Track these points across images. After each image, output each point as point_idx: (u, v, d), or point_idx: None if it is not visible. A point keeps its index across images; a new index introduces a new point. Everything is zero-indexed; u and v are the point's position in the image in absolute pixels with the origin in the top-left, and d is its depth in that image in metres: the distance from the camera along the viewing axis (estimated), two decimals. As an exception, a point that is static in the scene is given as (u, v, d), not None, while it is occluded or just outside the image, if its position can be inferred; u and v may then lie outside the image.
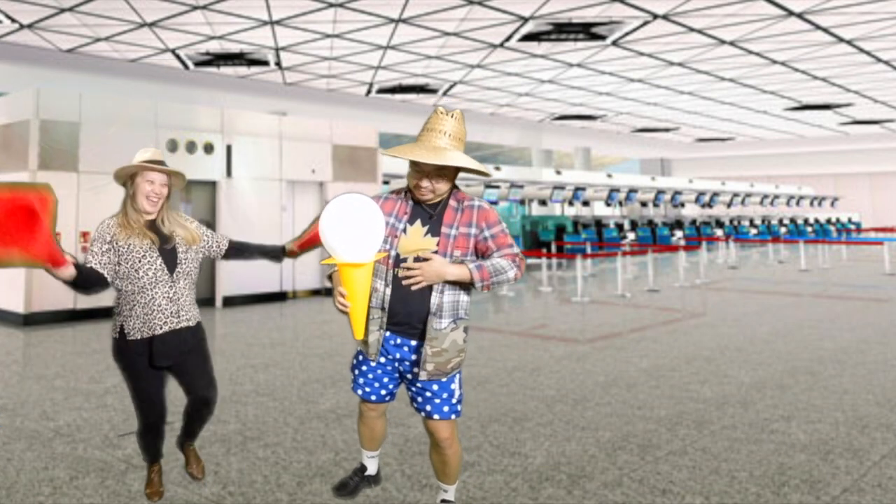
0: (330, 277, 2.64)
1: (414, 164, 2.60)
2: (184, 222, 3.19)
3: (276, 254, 3.43)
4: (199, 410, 3.25)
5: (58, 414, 4.69)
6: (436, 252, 2.59)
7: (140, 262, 3.00)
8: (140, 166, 3.05)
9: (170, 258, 3.07)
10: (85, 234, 8.89)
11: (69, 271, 2.71)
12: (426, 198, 2.63)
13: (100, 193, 8.90)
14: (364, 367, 2.74)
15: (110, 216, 3.12)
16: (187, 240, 3.14)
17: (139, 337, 3.01)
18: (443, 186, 2.61)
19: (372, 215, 2.41)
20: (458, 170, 2.64)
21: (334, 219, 2.38)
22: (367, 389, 2.74)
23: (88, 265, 2.96)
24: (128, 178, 3.10)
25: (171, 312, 3.04)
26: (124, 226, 3.05)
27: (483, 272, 2.56)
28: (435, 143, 2.56)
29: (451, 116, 2.60)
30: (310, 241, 3.40)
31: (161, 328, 3.01)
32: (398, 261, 2.61)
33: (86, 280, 2.88)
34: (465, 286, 2.65)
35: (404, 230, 2.63)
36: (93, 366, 6.23)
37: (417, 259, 2.59)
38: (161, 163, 3.12)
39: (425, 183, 2.58)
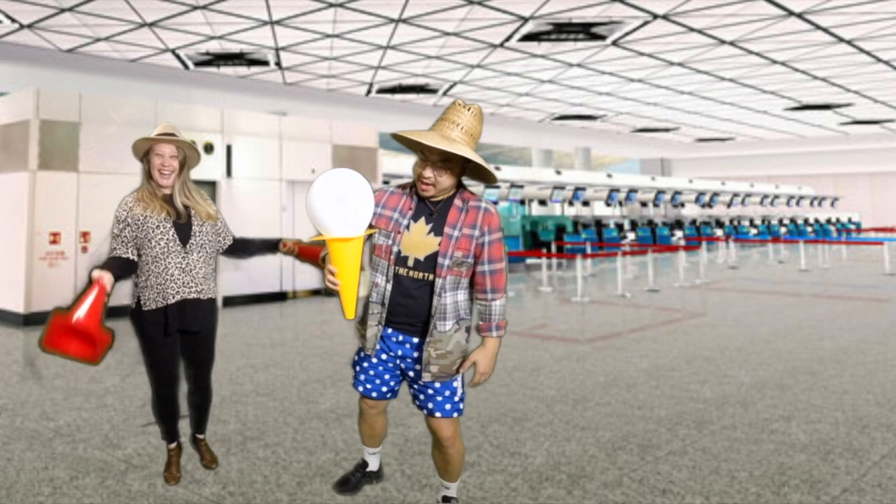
0: (324, 260, 2.59)
1: (420, 152, 2.54)
2: (203, 198, 3.32)
3: (271, 247, 3.54)
4: (197, 390, 3.42)
5: (58, 414, 4.69)
6: (436, 252, 2.56)
7: (153, 231, 3.12)
8: (151, 139, 3.16)
9: (183, 230, 3.18)
10: (85, 234, 8.89)
11: (111, 288, 2.88)
12: (428, 192, 2.55)
13: (100, 193, 8.90)
14: (365, 364, 2.71)
15: (130, 192, 3.25)
16: (202, 215, 3.25)
17: (154, 307, 3.14)
18: (446, 181, 2.53)
19: (360, 188, 2.37)
20: (464, 168, 2.57)
21: (322, 192, 2.32)
22: (368, 386, 2.72)
23: (114, 252, 3.10)
24: (144, 154, 3.22)
25: (183, 283, 3.15)
26: (142, 199, 3.17)
27: (501, 323, 2.66)
28: (445, 133, 2.49)
29: (469, 110, 2.53)
30: (308, 253, 3.45)
31: (173, 297, 3.13)
32: (400, 258, 2.58)
33: (123, 275, 3.05)
34: (465, 286, 2.64)
35: (407, 227, 2.58)
36: (93, 366, 6.23)
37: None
38: (172, 135, 3.21)
39: (428, 173, 2.51)
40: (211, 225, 3.27)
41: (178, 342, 3.25)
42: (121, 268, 3.05)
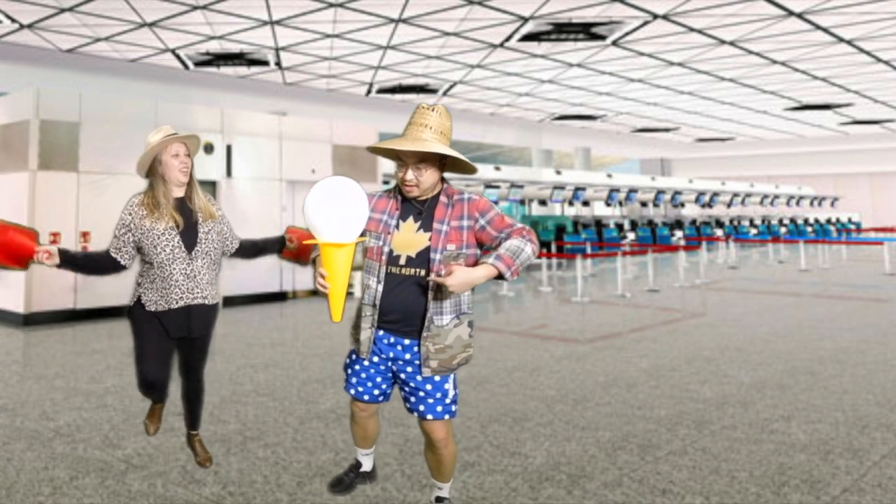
0: (314, 261, 2.67)
1: (397, 157, 2.62)
2: (205, 198, 3.34)
3: (275, 247, 3.59)
4: (191, 387, 3.44)
5: (58, 414, 4.69)
6: (427, 248, 2.58)
7: (159, 238, 3.15)
8: (163, 142, 3.19)
9: (189, 237, 3.21)
10: (85, 234, 8.89)
11: (52, 261, 2.99)
12: (413, 193, 2.61)
13: (100, 193, 8.90)
14: (357, 367, 2.73)
15: (135, 194, 3.26)
16: (205, 214, 3.29)
17: (154, 309, 3.17)
18: (427, 179, 2.59)
19: (355, 196, 2.43)
20: (443, 163, 2.64)
21: (318, 198, 2.40)
22: (360, 389, 2.72)
23: (109, 249, 3.18)
24: (151, 164, 3.24)
25: (187, 288, 3.18)
26: (150, 207, 3.19)
27: (505, 260, 2.45)
28: (417, 135, 2.56)
29: (433, 111, 2.60)
30: (303, 253, 3.50)
31: (177, 303, 3.17)
32: (391, 258, 2.61)
33: (86, 266, 3.16)
34: None
35: (397, 226, 2.63)
36: (93, 366, 6.23)
37: (439, 275, 2.51)
38: (174, 135, 3.27)
39: (409, 175, 2.57)
40: (217, 231, 3.30)
41: (173, 344, 3.27)
42: (89, 259, 3.14)
